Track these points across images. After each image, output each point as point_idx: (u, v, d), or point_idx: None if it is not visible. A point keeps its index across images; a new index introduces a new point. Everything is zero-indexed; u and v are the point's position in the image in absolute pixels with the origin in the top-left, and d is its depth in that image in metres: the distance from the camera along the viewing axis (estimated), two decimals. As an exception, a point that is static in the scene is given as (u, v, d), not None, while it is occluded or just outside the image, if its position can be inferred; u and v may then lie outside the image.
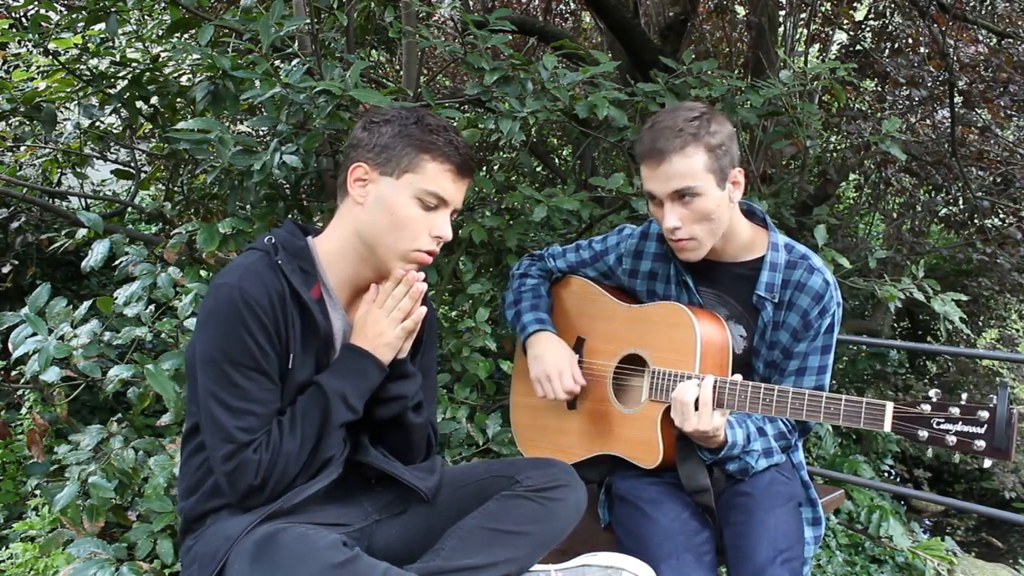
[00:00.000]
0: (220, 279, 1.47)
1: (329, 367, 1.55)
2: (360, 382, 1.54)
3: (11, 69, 3.38)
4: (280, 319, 1.47)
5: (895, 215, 6.04)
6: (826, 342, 1.83)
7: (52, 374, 2.08)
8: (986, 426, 1.46)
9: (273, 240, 1.54)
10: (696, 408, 1.68)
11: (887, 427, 1.53)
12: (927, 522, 5.19)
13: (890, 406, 1.53)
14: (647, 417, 1.85)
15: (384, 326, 1.55)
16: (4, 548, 2.52)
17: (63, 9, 3.48)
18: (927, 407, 1.51)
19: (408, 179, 1.53)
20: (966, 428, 1.48)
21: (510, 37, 3.69)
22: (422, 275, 1.57)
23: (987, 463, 1.49)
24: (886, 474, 5.16)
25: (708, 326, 1.82)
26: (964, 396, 1.51)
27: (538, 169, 5.52)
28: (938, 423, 1.50)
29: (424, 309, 1.59)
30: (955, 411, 1.49)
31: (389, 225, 1.53)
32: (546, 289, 2.11)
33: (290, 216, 2.75)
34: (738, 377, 1.71)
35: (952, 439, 1.48)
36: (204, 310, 1.47)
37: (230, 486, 1.45)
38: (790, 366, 1.84)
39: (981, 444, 1.46)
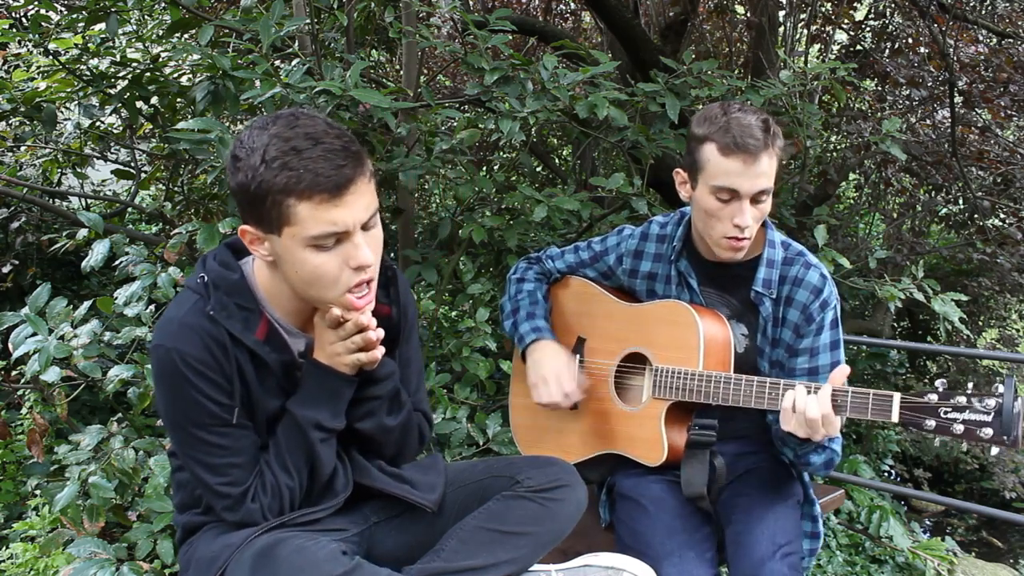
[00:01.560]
0: (157, 338, 1.36)
1: (299, 391, 1.47)
2: (332, 402, 1.47)
3: (11, 69, 3.38)
4: (227, 368, 1.37)
5: (895, 215, 6.03)
6: (834, 338, 1.82)
7: (52, 374, 2.08)
8: (993, 414, 1.47)
9: (205, 279, 1.39)
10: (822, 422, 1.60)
11: (895, 417, 1.53)
12: (927, 522, 5.19)
13: (897, 396, 1.54)
14: (650, 415, 1.85)
15: (339, 349, 1.43)
16: (4, 548, 2.52)
17: (63, 9, 3.48)
18: (934, 397, 1.52)
19: (289, 233, 1.29)
20: (973, 416, 1.49)
21: (510, 37, 3.69)
22: (372, 321, 1.42)
23: (994, 451, 1.51)
24: (886, 474, 5.15)
25: (711, 323, 1.82)
26: (971, 385, 1.52)
27: (538, 169, 5.52)
28: (945, 412, 1.51)
29: (381, 351, 1.46)
30: (962, 400, 1.50)
31: (301, 281, 1.34)
32: (543, 293, 2.10)
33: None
34: (743, 376, 1.73)
35: (959, 428, 1.49)
36: (152, 372, 1.39)
37: (241, 530, 1.43)
38: (799, 364, 1.81)
39: (988, 432, 1.47)
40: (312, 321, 1.48)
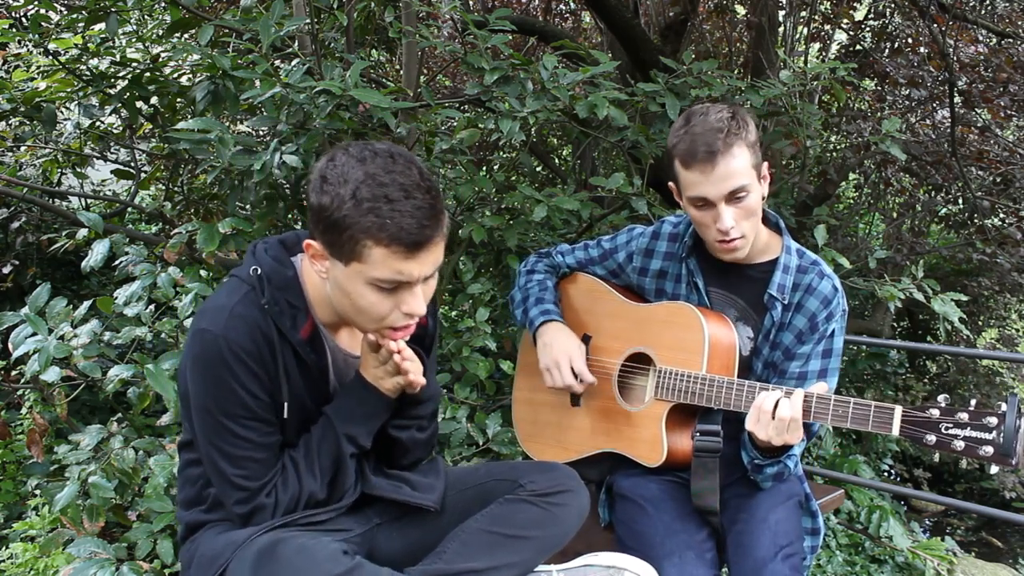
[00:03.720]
0: (203, 323, 1.39)
1: (340, 401, 1.52)
2: (368, 422, 1.53)
3: (11, 69, 3.38)
4: (270, 361, 1.41)
5: (895, 215, 6.04)
6: (828, 346, 1.82)
7: (52, 374, 2.07)
8: (994, 432, 1.46)
9: (259, 271, 1.43)
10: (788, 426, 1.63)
11: (895, 431, 1.52)
12: (927, 522, 5.19)
13: (899, 410, 1.53)
14: (652, 416, 1.85)
15: (381, 373, 1.51)
16: (4, 548, 2.52)
17: (63, 9, 3.48)
18: (935, 412, 1.51)
19: (356, 268, 1.32)
20: (974, 434, 1.48)
21: (510, 37, 3.69)
22: (405, 348, 1.48)
23: (993, 469, 1.49)
24: (886, 474, 5.16)
25: (716, 327, 1.82)
26: (973, 401, 1.51)
27: (538, 169, 5.52)
28: (946, 428, 1.50)
29: (421, 380, 1.53)
30: (963, 416, 1.49)
31: (351, 308, 1.39)
32: (553, 283, 2.12)
33: (289, 216, 2.75)
34: (745, 381, 1.74)
35: (960, 444, 1.48)
36: (190, 356, 1.41)
37: (246, 526, 1.44)
38: (791, 368, 1.82)
39: (989, 450, 1.46)
40: (344, 329, 1.54)
